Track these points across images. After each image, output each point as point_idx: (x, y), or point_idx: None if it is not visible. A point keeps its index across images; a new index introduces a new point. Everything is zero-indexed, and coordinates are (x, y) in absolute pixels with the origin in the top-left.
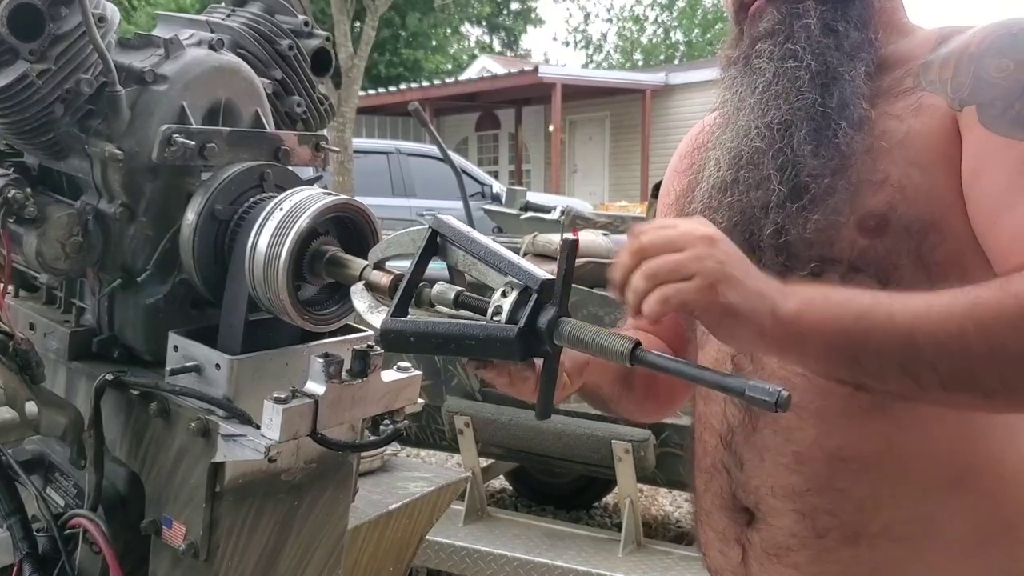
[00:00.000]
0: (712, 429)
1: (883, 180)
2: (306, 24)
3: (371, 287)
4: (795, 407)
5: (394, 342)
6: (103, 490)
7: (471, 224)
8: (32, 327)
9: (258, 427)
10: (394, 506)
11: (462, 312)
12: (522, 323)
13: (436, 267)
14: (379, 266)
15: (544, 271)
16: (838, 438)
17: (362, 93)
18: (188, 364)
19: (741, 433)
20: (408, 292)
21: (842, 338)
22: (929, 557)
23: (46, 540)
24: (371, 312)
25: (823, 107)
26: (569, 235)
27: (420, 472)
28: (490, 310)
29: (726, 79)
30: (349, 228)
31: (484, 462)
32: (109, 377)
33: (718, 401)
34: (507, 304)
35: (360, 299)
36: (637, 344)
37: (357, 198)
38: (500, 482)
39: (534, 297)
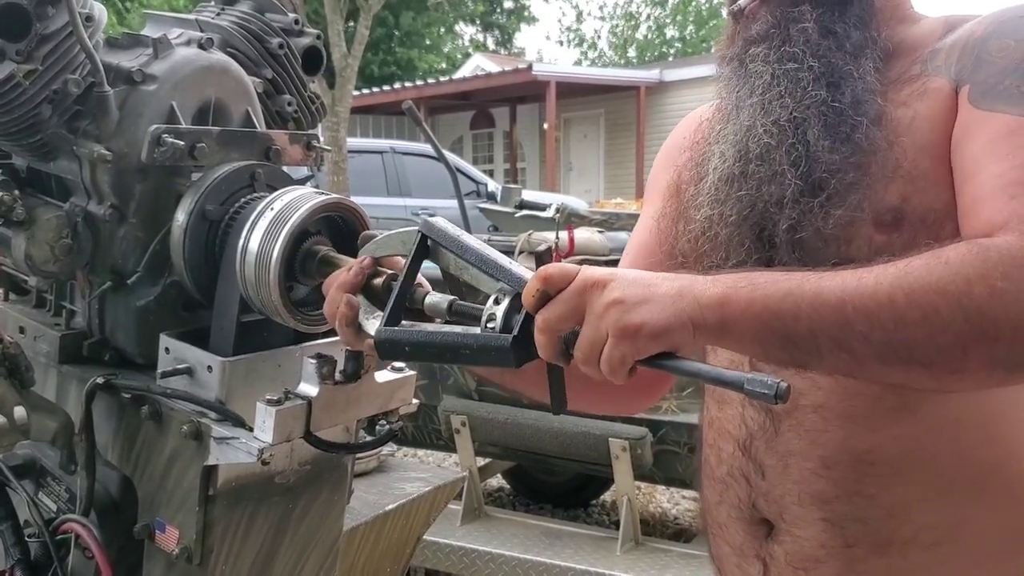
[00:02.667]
0: (728, 435)
1: (894, 171)
2: (296, 22)
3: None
4: (821, 408)
5: (390, 351)
6: (95, 494)
7: (466, 223)
8: (22, 330)
9: (251, 430)
10: (391, 507)
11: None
12: (516, 331)
13: (430, 265)
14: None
15: (529, 272)
16: (866, 440)
17: (356, 93)
18: (180, 366)
19: (762, 438)
20: (401, 299)
21: (772, 317)
22: (958, 563)
23: (38, 546)
24: (366, 319)
25: (835, 103)
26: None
27: (417, 472)
28: (483, 318)
29: (722, 77)
30: (341, 228)
31: (481, 461)
32: (100, 380)
33: (735, 404)
34: (500, 311)
35: None
36: None
37: (352, 198)
38: (497, 481)
39: None
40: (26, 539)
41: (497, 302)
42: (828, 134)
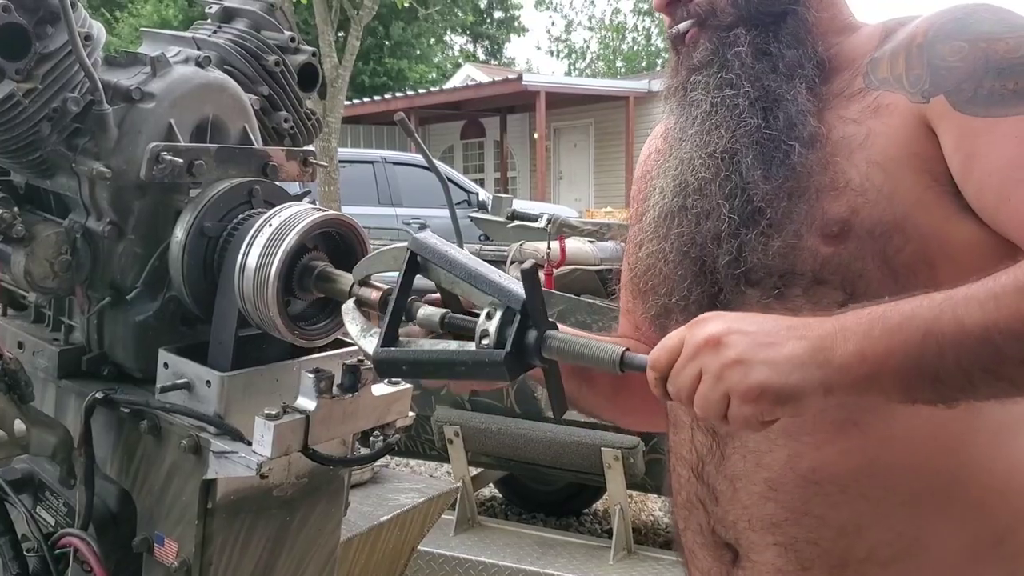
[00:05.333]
0: (683, 460)
1: (844, 185)
2: (292, 40)
3: (361, 303)
4: None
5: (388, 370)
6: (94, 508)
7: (459, 234)
8: (20, 346)
9: (249, 443)
10: (385, 518)
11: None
12: (508, 346)
13: None
14: (365, 281)
15: (519, 284)
16: (811, 459)
17: (347, 103)
18: (178, 381)
19: (711, 462)
20: (396, 318)
21: (916, 362)
22: None
23: (36, 560)
24: (363, 336)
25: (768, 130)
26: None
27: (411, 483)
28: (477, 333)
29: (667, 109)
30: (338, 243)
31: (473, 471)
32: (99, 395)
33: (685, 428)
34: (493, 327)
35: (352, 322)
36: (625, 350)
37: (343, 208)
38: (489, 490)
39: (518, 318)
40: (24, 553)
41: (489, 317)
42: (761, 162)
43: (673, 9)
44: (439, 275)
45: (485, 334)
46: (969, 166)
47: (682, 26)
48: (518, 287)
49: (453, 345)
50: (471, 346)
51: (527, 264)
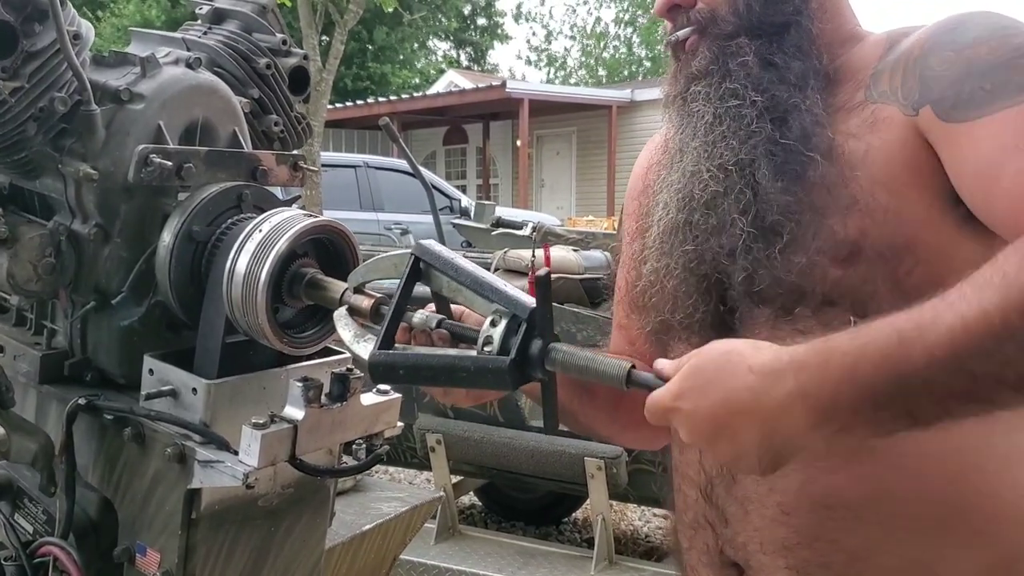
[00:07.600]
0: (690, 481)
1: (851, 205)
2: (284, 43)
3: (353, 311)
4: None
5: (383, 375)
6: (74, 517)
7: (442, 239)
8: (1, 349)
9: (236, 453)
10: (367, 527)
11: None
12: (513, 353)
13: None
14: (359, 289)
15: (524, 294)
16: (823, 484)
17: (329, 106)
18: (164, 388)
19: (721, 484)
20: (395, 321)
21: (888, 401)
22: None
23: (14, 569)
24: (357, 342)
25: (783, 140)
26: (541, 259)
27: (393, 492)
28: (480, 340)
29: (666, 117)
30: (329, 250)
31: (454, 479)
32: (82, 401)
33: (693, 449)
34: (497, 334)
35: (345, 328)
36: (632, 367)
37: (325, 212)
38: (469, 498)
39: (523, 327)
40: (2, 562)
41: (494, 324)
42: (780, 174)
43: (674, 15)
44: (441, 282)
45: (489, 341)
46: (959, 174)
47: (681, 33)
48: (524, 296)
49: (452, 351)
50: (473, 353)
51: (541, 271)
